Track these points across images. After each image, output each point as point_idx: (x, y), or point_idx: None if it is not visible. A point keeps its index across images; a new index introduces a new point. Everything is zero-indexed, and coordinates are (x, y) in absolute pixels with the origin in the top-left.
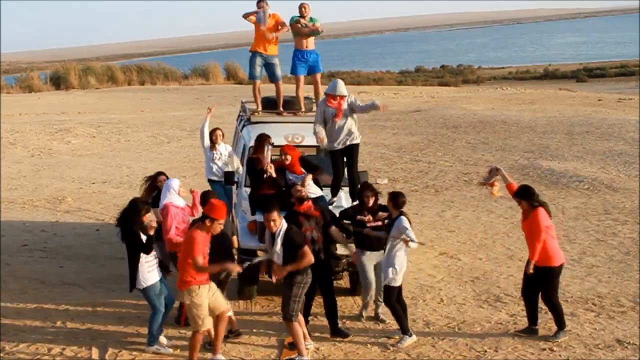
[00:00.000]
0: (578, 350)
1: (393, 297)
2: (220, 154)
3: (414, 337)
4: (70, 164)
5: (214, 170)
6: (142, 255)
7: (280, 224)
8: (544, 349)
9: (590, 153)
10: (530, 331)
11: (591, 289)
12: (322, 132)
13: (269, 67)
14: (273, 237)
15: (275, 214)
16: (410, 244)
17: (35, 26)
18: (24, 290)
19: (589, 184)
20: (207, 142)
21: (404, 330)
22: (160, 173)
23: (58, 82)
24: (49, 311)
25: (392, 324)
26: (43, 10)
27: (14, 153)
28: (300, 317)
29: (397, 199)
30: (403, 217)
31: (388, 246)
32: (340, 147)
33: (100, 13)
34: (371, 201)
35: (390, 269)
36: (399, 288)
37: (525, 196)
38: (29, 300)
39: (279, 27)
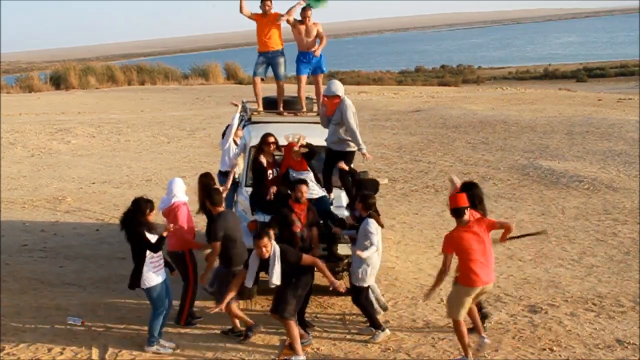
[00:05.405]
0: (578, 350)
1: (362, 297)
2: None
3: (387, 332)
4: (70, 164)
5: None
6: (148, 255)
7: (272, 248)
8: (544, 349)
9: (590, 153)
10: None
11: (591, 289)
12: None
13: (272, 66)
14: (262, 261)
15: (266, 240)
16: (361, 253)
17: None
18: (24, 290)
19: (589, 184)
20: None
21: (376, 326)
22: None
23: (58, 82)
24: (48, 311)
25: (391, 323)
26: (43, 10)
27: (14, 153)
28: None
29: (366, 200)
30: (370, 220)
31: (357, 246)
32: (335, 148)
33: (101, 13)
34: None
35: (360, 270)
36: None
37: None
38: (29, 300)
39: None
